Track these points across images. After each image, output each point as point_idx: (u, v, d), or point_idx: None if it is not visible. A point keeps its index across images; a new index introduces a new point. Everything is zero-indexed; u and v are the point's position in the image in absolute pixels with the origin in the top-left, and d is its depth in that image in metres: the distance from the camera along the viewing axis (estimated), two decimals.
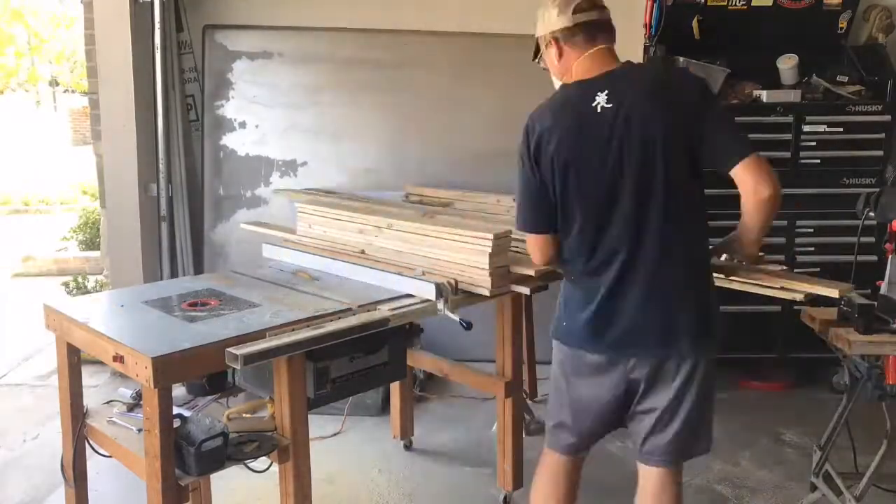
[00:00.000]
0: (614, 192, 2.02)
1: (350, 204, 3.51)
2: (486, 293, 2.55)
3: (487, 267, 2.52)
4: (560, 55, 2.11)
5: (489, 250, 2.52)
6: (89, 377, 3.24)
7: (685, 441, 2.16)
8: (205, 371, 2.24)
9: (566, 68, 2.12)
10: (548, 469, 2.33)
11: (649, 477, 2.22)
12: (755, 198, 2.01)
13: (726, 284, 2.54)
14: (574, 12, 2.06)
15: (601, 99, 2.01)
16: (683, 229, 2.07)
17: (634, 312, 2.06)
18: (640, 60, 4.17)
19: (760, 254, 2.35)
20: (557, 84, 2.18)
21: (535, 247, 2.21)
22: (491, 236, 2.52)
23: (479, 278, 2.55)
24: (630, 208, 2.02)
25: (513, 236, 2.68)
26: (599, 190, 2.03)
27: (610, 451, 3.49)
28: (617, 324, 2.07)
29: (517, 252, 2.81)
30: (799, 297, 2.39)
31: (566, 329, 2.18)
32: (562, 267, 2.22)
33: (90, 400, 2.54)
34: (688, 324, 2.07)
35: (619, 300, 2.07)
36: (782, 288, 2.35)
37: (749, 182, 1.99)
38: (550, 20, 2.10)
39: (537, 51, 2.23)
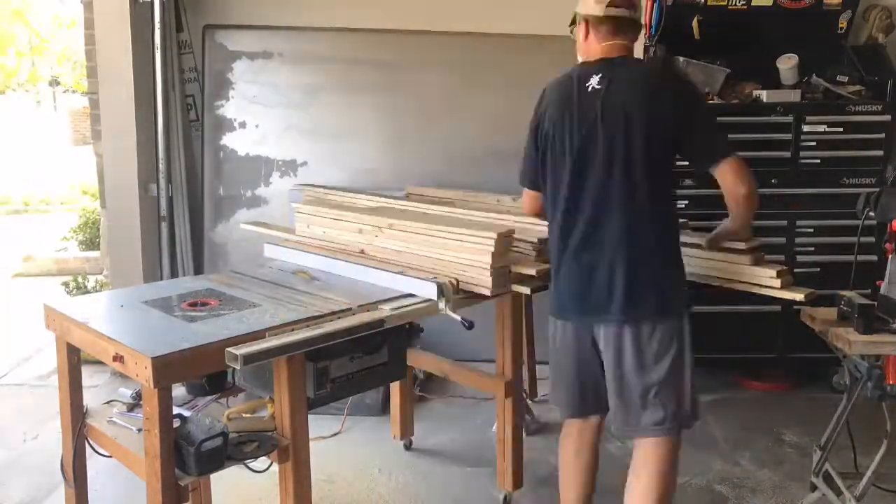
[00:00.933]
0: (584, 163, 2.27)
1: (353, 204, 3.51)
2: (487, 293, 2.55)
3: (489, 266, 2.52)
4: (586, 36, 2.35)
5: (491, 249, 2.51)
6: (89, 377, 3.23)
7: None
8: (205, 371, 2.24)
9: (588, 48, 2.35)
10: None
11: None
12: (734, 193, 2.27)
13: (727, 285, 2.55)
14: (608, 6, 2.29)
15: (594, 81, 2.27)
16: (643, 210, 2.26)
17: (599, 281, 2.29)
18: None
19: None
20: (579, 58, 2.41)
21: (525, 199, 2.56)
22: (494, 235, 2.51)
23: (481, 278, 2.55)
24: (598, 180, 2.26)
25: (514, 237, 2.69)
26: (572, 159, 2.28)
27: (610, 451, 3.50)
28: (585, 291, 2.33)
29: (518, 252, 2.81)
30: (799, 297, 2.40)
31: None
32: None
33: (90, 400, 2.53)
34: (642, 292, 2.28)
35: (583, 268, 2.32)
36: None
37: (728, 180, 2.25)
38: (588, 4, 2.33)
39: (573, 22, 2.44)
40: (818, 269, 3.83)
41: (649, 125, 2.21)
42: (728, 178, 2.24)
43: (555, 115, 2.31)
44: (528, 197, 2.54)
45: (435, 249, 2.66)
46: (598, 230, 2.27)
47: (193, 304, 2.45)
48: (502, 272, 2.57)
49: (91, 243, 6.99)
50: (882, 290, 2.46)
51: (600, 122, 2.23)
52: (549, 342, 2.50)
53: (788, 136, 3.84)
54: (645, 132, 2.21)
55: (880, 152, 3.86)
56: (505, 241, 2.57)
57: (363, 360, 2.33)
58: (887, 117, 3.82)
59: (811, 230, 3.92)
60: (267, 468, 2.29)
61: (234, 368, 2.16)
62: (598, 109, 2.23)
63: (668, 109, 2.23)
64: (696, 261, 2.60)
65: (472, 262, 2.56)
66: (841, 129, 3.84)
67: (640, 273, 2.25)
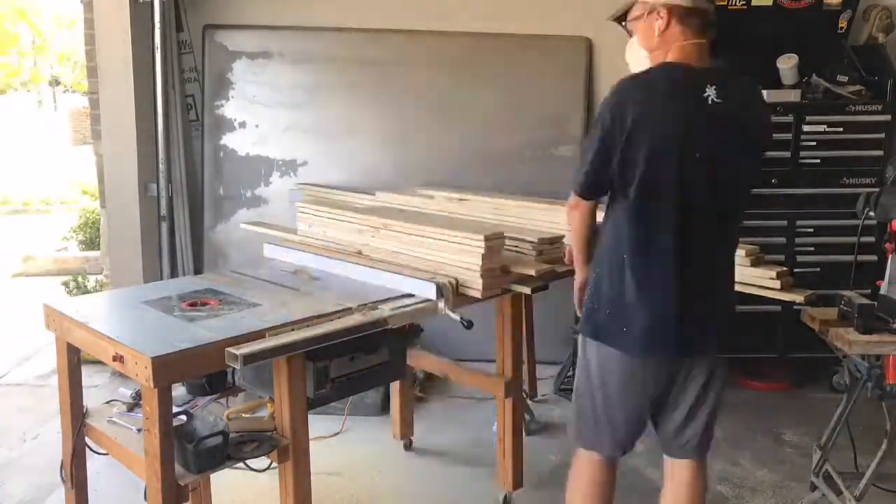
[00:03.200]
0: (699, 186, 1.99)
1: (352, 203, 3.51)
2: (478, 295, 2.53)
3: (479, 268, 2.51)
4: (666, 28, 2.02)
5: (481, 251, 2.50)
6: (89, 377, 3.23)
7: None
8: (205, 371, 2.24)
9: (664, 43, 2.04)
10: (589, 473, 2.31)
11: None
12: None
13: None
14: None
15: (711, 92, 1.99)
16: (731, 237, 2.17)
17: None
18: None
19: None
20: (632, 54, 2.15)
21: (579, 212, 2.16)
22: (482, 238, 2.50)
23: (472, 279, 2.54)
24: (709, 206, 2.02)
25: (507, 236, 2.68)
26: (690, 179, 1.98)
27: None
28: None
29: (518, 252, 2.81)
30: (799, 298, 2.39)
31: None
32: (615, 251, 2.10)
33: (90, 400, 2.53)
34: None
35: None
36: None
37: None
38: None
39: (626, 11, 2.13)
40: (818, 269, 3.83)
41: (754, 149, 2.10)
42: None
43: (671, 125, 1.97)
44: (588, 208, 2.17)
45: (430, 250, 2.66)
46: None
47: (193, 304, 2.44)
48: (494, 274, 2.56)
49: (91, 243, 6.99)
50: (882, 290, 2.47)
51: (726, 142, 2.01)
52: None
53: (788, 136, 3.84)
54: (752, 157, 2.10)
55: (880, 152, 3.86)
56: (494, 243, 2.54)
57: (363, 360, 2.33)
58: (887, 117, 3.83)
59: (811, 230, 3.92)
60: (267, 468, 2.28)
61: (234, 368, 2.16)
62: (723, 128, 2.01)
63: (761, 136, 2.14)
64: None
65: (463, 263, 2.56)
66: (841, 129, 3.84)
67: None
